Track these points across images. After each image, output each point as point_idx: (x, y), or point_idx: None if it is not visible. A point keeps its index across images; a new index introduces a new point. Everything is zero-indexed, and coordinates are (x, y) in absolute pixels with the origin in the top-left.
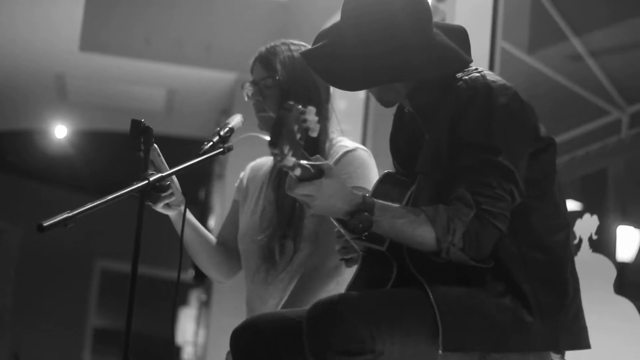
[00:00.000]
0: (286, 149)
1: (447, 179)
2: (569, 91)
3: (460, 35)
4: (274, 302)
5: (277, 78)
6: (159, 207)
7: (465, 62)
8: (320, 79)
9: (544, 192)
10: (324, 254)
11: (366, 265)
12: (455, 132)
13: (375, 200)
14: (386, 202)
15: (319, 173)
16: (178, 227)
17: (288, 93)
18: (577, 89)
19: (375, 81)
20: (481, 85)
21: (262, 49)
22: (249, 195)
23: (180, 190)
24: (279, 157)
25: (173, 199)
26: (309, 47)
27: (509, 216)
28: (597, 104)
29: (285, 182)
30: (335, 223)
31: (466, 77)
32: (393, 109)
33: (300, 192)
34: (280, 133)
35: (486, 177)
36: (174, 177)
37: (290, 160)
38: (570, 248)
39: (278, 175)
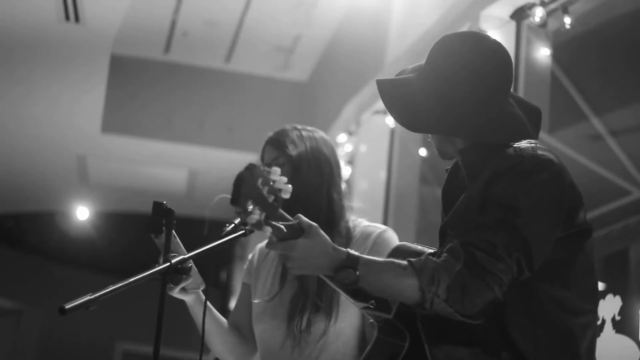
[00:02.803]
0: (249, 206)
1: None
2: (589, 171)
3: (533, 114)
4: None
5: (288, 153)
6: (175, 292)
7: (528, 137)
8: (390, 113)
9: (570, 276)
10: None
11: (383, 333)
12: (489, 190)
13: (360, 255)
14: (372, 257)
15: (297, 232)
16: (194, 312)
17: (299, 168)
18: (597, 169)
19: (435, 129)
20: (528, 156)
21: (270, 133)
22: (261, 276)
23: (198, 272)
24: (242, 215)
25: (190, 281)
26: (315, 129)
27: (505, 280)
28: (618, 183)
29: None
30: (326, 280)
31: (517, 145)
32: (413, 189)
33: (275, 250)
34: (240, 190)
35: (496, 236)
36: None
37: (254, 217)
38: (591, 333)
39: None
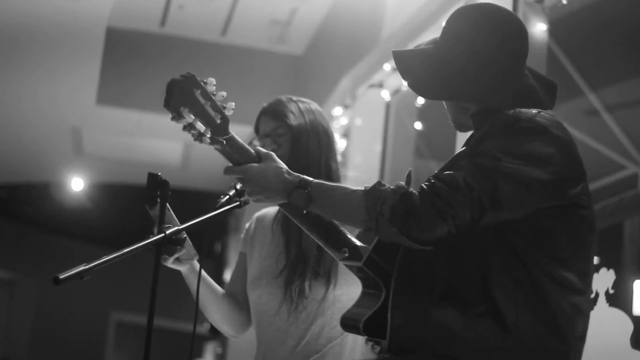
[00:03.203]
0: (186, 115)
1: None
2: (585, 146)
3: (548, 87)
4: (292, 344)
5: (289, 123)
6: (170, 263)
7: (540, 106)
8: (401, 77)
9: (559, 248)
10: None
11: (365, 286)
12: (480, 144)
13: (313, 180)
14: (325, 182)
15: (254, 159)
16: (189, 282)
17: (299, 138)
18: (593, 144)
19: (448, 95)
20: (526, 118)
21: (265, 104)
22: (257, 243)
23: (191, 244)
24: (175, 119)
25: (183, 252)
26: (310, 101)
27: (461, 214)
28: (613, 158)
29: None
30: (283, 210)
31: (519, 109)
32: (408, 163)
33: (231, 174)
34: (172, 94)
35: (459, 172)
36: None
37: (186, 120)
38: (574, 309)
39: (286, 218)
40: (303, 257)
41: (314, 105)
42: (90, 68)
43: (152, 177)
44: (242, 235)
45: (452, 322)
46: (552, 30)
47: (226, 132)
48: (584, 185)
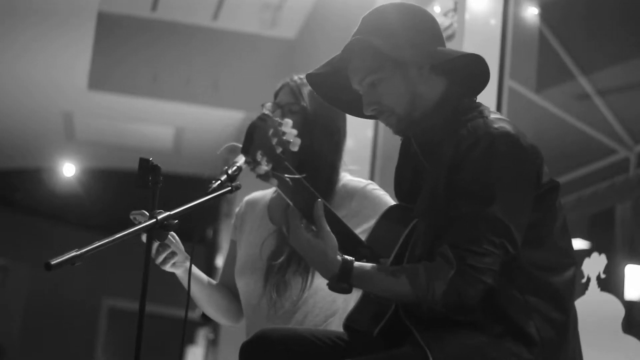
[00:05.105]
0: (259, 157)
1: (442, 225)
2: (576, 130)
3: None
4: None
5: (304, 105)
6: (167, 267)
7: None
8: (336, 108)
9: (546, 235)
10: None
11: (368, 295)
12: (453, 180)
13: (354, 266)
14: (366, 266)
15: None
16: (185, 283)
17: (311, 123)
18: (584, 128)
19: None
20: (482, 134)
21: (294, 77)
22: (246, 229)
23: (182, 247)
24: (251, 165)
25: (177, 258)
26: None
27: (497, 269)
28: (604, 142)
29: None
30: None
31: (469, 124)
32: (396, 148)
33: (295, 241)
34: (252, 140)
35: (476, 230)
36: (175, 236)
37: (262, 168)
38: (574, 285)
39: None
40: (283, 248)
41: None
42: (81, 53)
43: (144, 162)
44: (232, 222)
45: (476, 346)
46: (544, 14)
47: (282, 165)
48: (545, 165)
